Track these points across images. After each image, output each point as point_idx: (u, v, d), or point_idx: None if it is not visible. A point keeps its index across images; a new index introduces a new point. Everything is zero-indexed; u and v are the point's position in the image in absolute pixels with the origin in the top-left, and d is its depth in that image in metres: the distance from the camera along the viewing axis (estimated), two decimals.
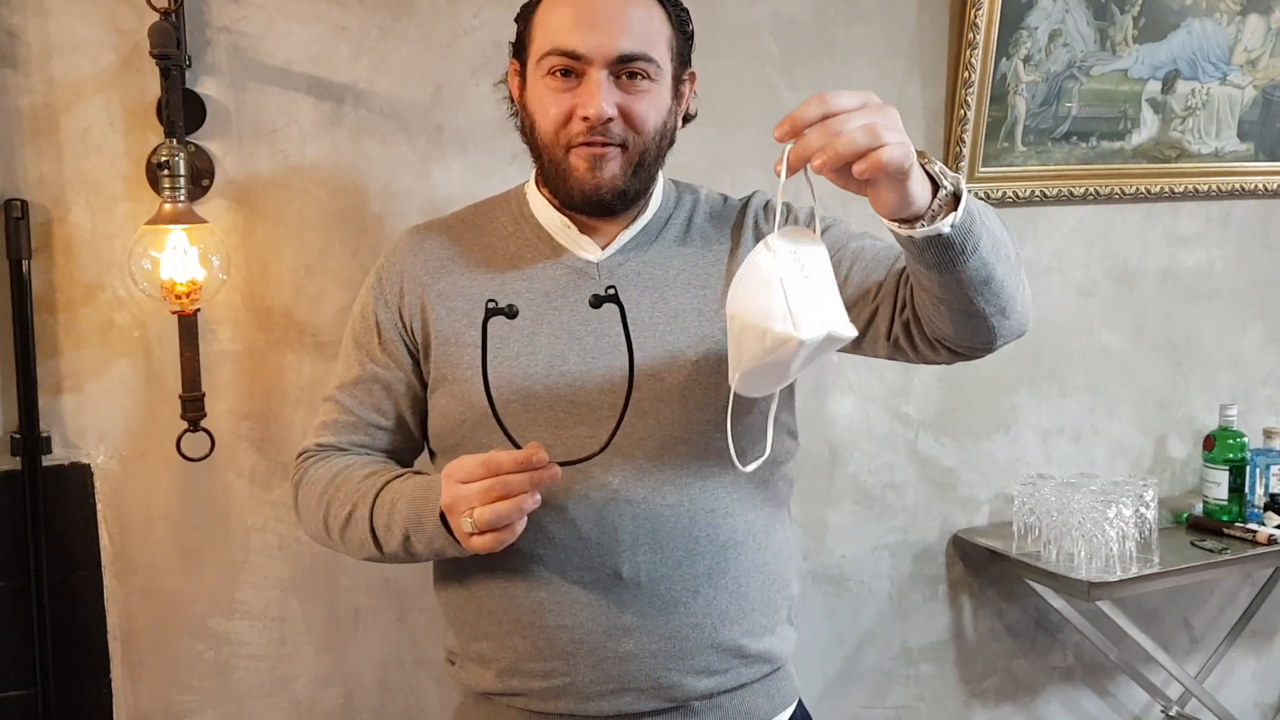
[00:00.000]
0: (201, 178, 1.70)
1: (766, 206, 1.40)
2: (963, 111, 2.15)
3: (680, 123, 1.35)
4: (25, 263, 1.62)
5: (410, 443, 1.41)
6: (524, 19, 1.31)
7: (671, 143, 1.33)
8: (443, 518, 1.16)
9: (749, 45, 2.03)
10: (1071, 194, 2.32)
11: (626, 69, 1.23)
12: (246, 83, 1.73)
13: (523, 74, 1.31)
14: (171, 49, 1.54)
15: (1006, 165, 2.23)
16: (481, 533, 1.10)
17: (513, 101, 1.36)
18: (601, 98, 1.22)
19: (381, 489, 1.25)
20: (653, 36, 1.25)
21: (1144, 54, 2.30)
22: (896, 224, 1.04)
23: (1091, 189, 2.34)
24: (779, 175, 0.97)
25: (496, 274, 1.34)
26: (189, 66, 1.67)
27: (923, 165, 1.01)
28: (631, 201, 1.31)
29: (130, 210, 1.67)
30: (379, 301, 1.37)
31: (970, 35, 2.11)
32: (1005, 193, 2.25)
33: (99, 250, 1.68)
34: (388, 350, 1.36)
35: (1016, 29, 2.15)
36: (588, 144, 1.24)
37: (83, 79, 1.64)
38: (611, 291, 1.06)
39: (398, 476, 1.27)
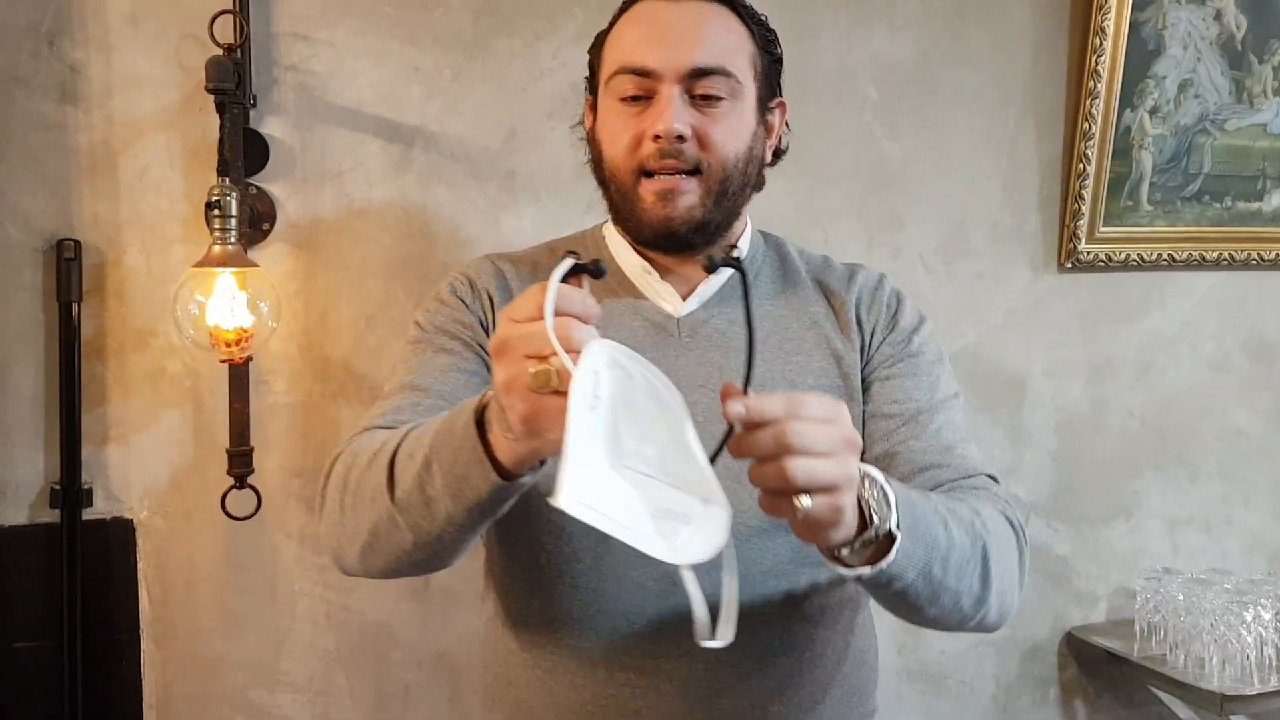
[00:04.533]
0: (262, 221, 1.62)
1: (877, 290, 1.22)
2: (1082, 165, 1.97)
3: (771, 157, 1.21)
4: (75, 305, 1.55)
5: None
6: (596, 49, 1.20)
7: (760, 176, 1.18)
8: (479, 427, 0.86)
9: (845, 90, 1.89)
10: (1203, 258, 2.12)
11: (702, 86, 1.10)
12: (313, 123, 1.65)
13: (595, 108, 1.19)
14: (229, 84, 1.46)
15: (1131, 225, 2.05)
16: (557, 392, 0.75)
17: (588, 143, 1.22)
18: (673, 113, 1.08)
19: (420, 424, 0.96)
20: (731, 50, 1.12)
21: None
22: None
23: (1225, 253, 2.13)
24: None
25: None
26: (254, 106, 1.60)
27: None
28: (711, 236, 1.15)
29: (187, 253, 1.59)
30: (459, 300, 1.19)
31: (1091, 84, 1.94)
32: (1129, 255, 2.06)
33: (152, 294, 1.60)
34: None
35: (1142, 78, 1.98)
36: (659, 172, 1.10)
37: (143, 116, 1.58)
38: (736, 256, 0.85)
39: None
